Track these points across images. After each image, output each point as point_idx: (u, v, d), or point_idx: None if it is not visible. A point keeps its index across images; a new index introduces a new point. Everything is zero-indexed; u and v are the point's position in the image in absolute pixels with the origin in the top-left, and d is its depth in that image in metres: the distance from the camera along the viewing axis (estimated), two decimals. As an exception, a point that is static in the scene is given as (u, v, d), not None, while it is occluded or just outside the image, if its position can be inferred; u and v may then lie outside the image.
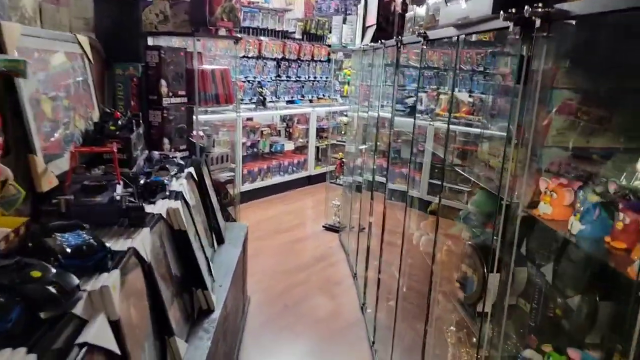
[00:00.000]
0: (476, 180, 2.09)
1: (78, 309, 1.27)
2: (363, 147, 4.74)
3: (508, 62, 2.80)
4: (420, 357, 2.30)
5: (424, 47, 2.38)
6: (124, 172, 2.21)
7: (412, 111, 5.56)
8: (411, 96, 6.10)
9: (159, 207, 2.13)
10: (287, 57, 7.83)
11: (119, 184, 1.99)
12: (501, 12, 1.33)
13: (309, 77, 8.32)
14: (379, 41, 3.57)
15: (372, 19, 3.90)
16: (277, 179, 7.22)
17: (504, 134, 2.10)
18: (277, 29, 7.67)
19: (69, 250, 1.44)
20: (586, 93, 1.44)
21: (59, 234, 1.53)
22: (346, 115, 6.59)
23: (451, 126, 2.39)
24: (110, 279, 1.41)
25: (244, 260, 3.49)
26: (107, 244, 1.58)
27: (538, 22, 1.21)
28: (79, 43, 2.53)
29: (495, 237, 1.48)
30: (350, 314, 3.91)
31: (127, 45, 3.16)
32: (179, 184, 2.49)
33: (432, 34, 2.23)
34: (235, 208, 4.13)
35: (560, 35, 1.24)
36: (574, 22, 1.17)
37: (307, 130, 7.82)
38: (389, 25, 3.64)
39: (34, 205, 1.87)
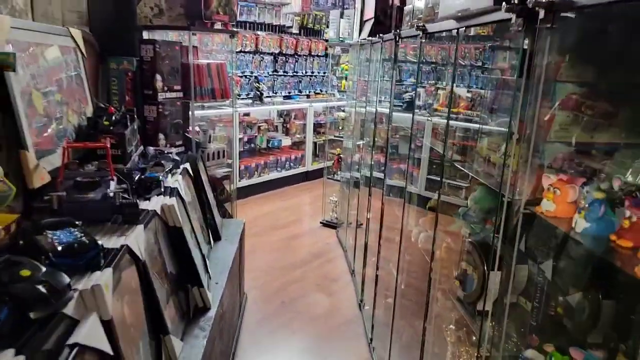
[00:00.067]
0: (476, 176, 2.06)
1: (69, 309, 1.24)
2: (360, 142, 4.70)
3: (507, 57, 2.77)
4: (419, 355, 2.27)
5: (423, 40, 2.34)
6: (118, 168, 2.17)
7: (409, 106, 5.53)
8: (408, 91, 6.07)
9: (154, 203, 2.10)
10: (284, 52, 7.79)
11: (113, 180, 1.96)
12: (503, 3, 1.30)
13: (306, 72, 8.27)
14: (377, 35, 3.53)
15: (369, 12, 3.87)
16: (274, 175, 7.18)
17: (504, 129, 2.08)
18: (274, 24, 7.62)
19: (60, 248, 1.41)
20: (591, 87, 1.41)
21: (50, 232, 1.49)
22: (343, 111, 6.56)
23: (450, 121, 2.35)
24: (102, 277, 1.38)
25: (241, 257, 3.46)
26: (100, 242, 1.54)
27: (542, 14, 1.17)
28: (72, 36, 2.48)
29: (496, 235, 1.45)
30: (348, 311, 3.88)
31: (121, 39, 3.10)
32: (174, 180, 2.46)
33: (431, 27, 2.19)
34: (232, 204, 4.10)
35: (564, 27, 1.21)
36: (579, 13, 1.14)
37: (304, 126, 7.78)
38: (387, 19, 3.60)
39: (26, 202, 1.84)
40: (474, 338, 1.81)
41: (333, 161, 6.29)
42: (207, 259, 2.60)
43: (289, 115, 7.83)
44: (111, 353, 1.31)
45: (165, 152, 2.88)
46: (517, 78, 1.33)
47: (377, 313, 3.38)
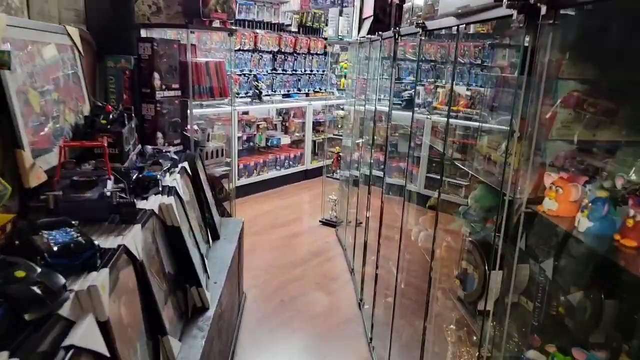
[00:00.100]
0: (476, 175, 2.04)
1: (64, 310, 1.22)
2: (360, 141, 4.69)
3: (506, 55, 2.75)
4: (419, 355, 2.26)
5: (422, 38, 2.32)
6: (115, 167, 2.15)
7: (408, 104, 5.52)
8: (407, 89, 6.06)
9: (152, 202, 2.08)
10: (283, 50, 7.76)
11: (110, 179, 1.94)
12: (504, -1, 1.28)
13: (305, 71, 8.24)
14: (376, 33, 3.51)
15: (369, 10, 3.85)
16: (273, 173, 7.16)
17: (504, 127, 2.06)
18: (273, 22, 7.59)
19: (55, 248, 1.39)
20: (593, 84, 1.39)
21: (46, 232, 1.47)
22: (343, 109, 6.54)
23: (449, 120, 2.33)
24: (99, 278, 1.36)
25: (240, 256, 3.45)
26: (97, 242, 1.53)
27: (544, 9, 1.15)
28: (69, 34, 2.46)
29: (497, 234, 1.43)
30: (348, 310, 3.87)
31: (119, 37, 3.08)
32: (173, 179, 2.44)
33: (431, 24, 2.18)
34: (230, 203, 4.08)
35: (566, 23, 1.19)
36: (581, 9, 1.12)
37: (303, 124, 7.76)
38: (386, 17, 3.58)
39: (22, 202, 1.82)
40: (475, 338, 1.80)
41: (332, 160, 6.27)
42: (205, 259, 2.59)
43: (288, 113, 7.81)
44: (107, 355, 1.29)
45: (164, 150, 2.86)
46: (519, 75, 1.31)
47: (377, 312, 3.36)
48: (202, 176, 3.19)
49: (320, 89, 8.46)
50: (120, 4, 3.12)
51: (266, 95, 7.41)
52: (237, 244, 3.23)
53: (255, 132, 7.02)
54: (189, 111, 3.48)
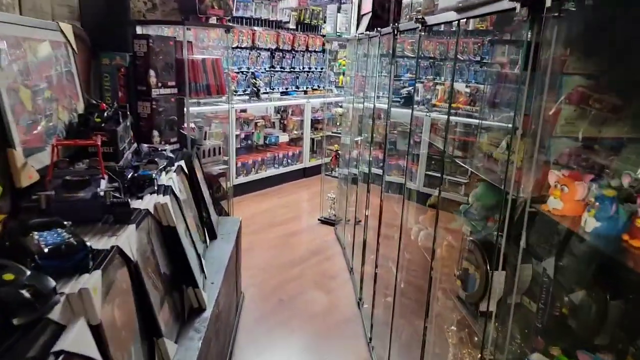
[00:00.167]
0: (477, 172, 2.01)
1: (55, 314, 1.18)
2: (358, 138, 4.65)
3: (506, 51, 2.71)
4: (419, 355, 2.22)
5: (422, 33, 2.28)
6: (110, 166, 2.12)
7: (406, 102, 5.50)
8: (406, 86, 6.03)
9: (147, 202, 2.04)
10: (281, 48, 7.71)
11: (104, 178, 1.90)
12: (507, -8, 1.24)
13: (303, 68, 8.20)
14: (375, 29, 3.47)
15: (367, 6, 3.80)
16: (271, 172, 7.12)
17: (505, 124, 2.03)
18: (271, 19, 7.54)
19: (46, 250, 1.35)
20: (599, 79, 1.35)
21: (37, 233, 1.43)
22: (341, 107, 6.50)
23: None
24: (90, 280, 1.33)
25: (238, 255, 3.41)
26: (90, 243, 1.49)
27: (548, 2, 1.11)
28: (62, 31, 2.42)
29: (500, 234, 1.40)
30: (347, 309, 3.84)
31: (114, 34, 3.04)
32: (169, 178, 2.40)
33: (431, 20, 2.14)
34: (228, 202, 4.04)
35: (572, 16, 1.15)
36: (587, 1, 1.08)
37: (301, 122, 7.71)
38: (384, 13, 3.54)
39: (14, 202, 1.78)
40: (476, 339, 1.76)
41: (331, 158, 6.23)
42: (202, 258, 2.55)
43: (286, 111, 7.76)
44: (100, 359, 1.26)
45: (159, 149, 2.82)
46: (522, 71, 1.28)
47: (376, 312, 3.33)
48: (199, 175, 3.15)
49: (318, 86, 8.42)
50: (115, 0, 3.07)
51: (264, 93, 7.36)
52: (235, 243, 3.19)
53: (253, 130, 6.97)
54: (185, 109, 3.43)
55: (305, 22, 8.10)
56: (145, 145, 2.78)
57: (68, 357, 1.13)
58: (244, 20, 7.17)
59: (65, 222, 1.52)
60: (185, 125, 3.47)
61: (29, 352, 1.07)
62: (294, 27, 7.98)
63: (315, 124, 7.91)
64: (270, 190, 7.02)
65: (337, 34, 5.60)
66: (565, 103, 1.35)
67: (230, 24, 3.81)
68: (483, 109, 2.66)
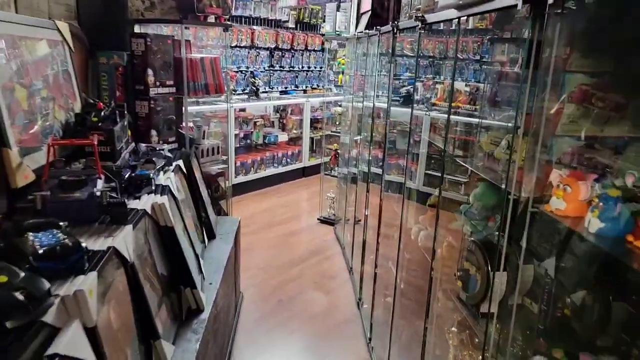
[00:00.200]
0: (477, 172, 1.99)
1: (49, 317, 1.16)
2: (358, 137, 4.63)
3: (505, 50, 2.70)
4: (419, 356, 2.20)
5: (422, 31, 2.26)
6: (107, 166, 2.09)
7: (406, 101, 5.48)
8: (405, 85, 6.01)
9: (144, 202, 2.02)
10: (280, 47, 7.69)
11: (100, 178, 1.87)
12: (509, -11, 1.22)
13: (302, 67, 8.17)
14: (374, 28, 3.45)
15: (366, 5, 3.78)
16: (270, 171, 7.10)
17: (505, 123, 2.01)
18: (270, 18, 7.51)
19: (41, 251, 1.33)
20: (602, 77, 1.33)
21: (31, 234, 1.41)
22: (340, 106, 6.48)
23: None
24: (86, 282, 1.30)
25: (236, 255, 3.39)
26: (86, 244, 1.46)
27: (551, -1, 1.09)
28: (59, 30, 2.40)
29: (502, 234, 1.38)
30: (346, 310, 3.82)
31: (111, 33, 3.02)
32: (166, 178, 2.38)
33: (431, 17, 2.11)
34: (227, 201, 4.02)
35: (574, 12, 1.13)
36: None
37: (301, 121, 7.69)
38: (384, 11, 3.52)
39: (9, 202, 1.76)
40: (477, 341, 1.74)
41: (330, 157, 6.21)
42: (200, 259, 2.53)
43: (285, 110, 7.74)
44: (95, 362, 1.24)
45: (157, 149, 2.80)
46: (524, 69, 1.25)
47: (376, 312, 3.31)
48: (198, 174, 3.13)
49: (318, 85, 8.40)
50: (112, -1, 3.06)
51: (263, 92, 7.34)
52: (234, 243, 3.17)
53: (252, 130, 6.95)
54: (183, 108, 3.41)
55: (305, 21, 8.08)
56: (143, 144, 2.76)
57: (62, 361, 1.11)
58: (243, 19, 7.15)
59: (61, 223, 1.50)
60: (184, 124, 3.45)
61: (22, 356, 1.04)
62: (293, 26, 7.95)
63: (314, 123, 7.89)
64: (270, 190, 7.00)
65: (337, 32, 5.58)
66: (568, 101, 1.33)
67: (229, 23, 3.79)
68: (483, 107, 2.64)
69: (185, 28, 3.38)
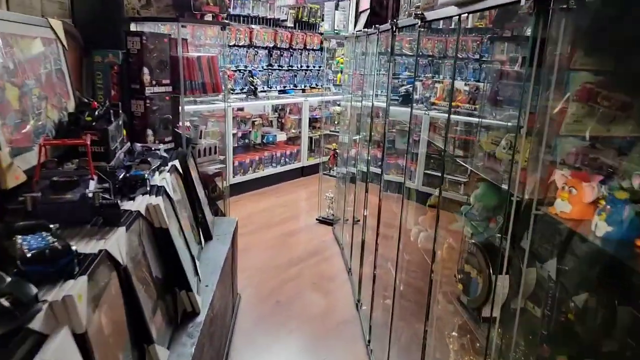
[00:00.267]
0: (477, 172, 1.95)
1: (36, 323, 1.12)
2: (357, 137, 4.59)
3: (505, 49, 2.66)
4: (419, 359, 2.16)
5: (421, 30, 2.22)
6: (101, 167, 2.05)
7: (405, 100, 5.44)
8: (404, 85, 5.97)
9: (138, 203, 1.98)
10: (278, 46, 7.65)
11: (93, 179, 1.83)
12: (512, -16, 1.18)
13: (301, 66, 8.13)
14: (373, 26, 3.41)
15: (365, 3, 3.75)
16: (269, 171, 7.06)
17: (505, 122, 1.97)
18: (269, 17, 7.48)
19: (29, 254, 1.29)
20: (607, 75, 1.29)
21: (20, 236, 1.37)
22: (339, 105, 6.44)
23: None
24: (75, 286, 1.26)
25: (233, 256, 3.35)
26: (77, 246, 1.43)
27: (556, -6, 1.06)
28: (52, 28, 2.35)
29: (504, 237, 1.34)
30: (345, 311, 3.78)
31: (106, 31, 2.98)
32: (162, 178, 2.34)
33: (431, 15, 2.08)
34: (224, 202, 3.98)
35: (579, 9, 1.09)
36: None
37: (299, 121, 7.65)
38: (383, 10, 3.48)
39: (-1, 204, 1.72)
40: (478, 345, 1.70)
41: (329, 156, 6.18)
42: (197, 260, 2.49)
43: (284, 110, 7.70)
44: (84, 370, 1.20)
45: (153, 148, 2.76)
46: (527, 67, 1.21)
47: (375, 314, 3.27)
48: (194, 174, 3.09)
49: (316, 84, 8.36)
50: (108, -4, 3.02)
51: (262, 91, 7.30)
52: (231, 244, 3.13)
53: (250, 129, 6.91)
54: (180, 107, 3.37)
55: (303, 20, 8.04)
56: (139, 144, 2.72)
57: (50, 369, 1.07)
58: (242, 18, 7.11)
59: (51, 225, 1.46)
60: (180, 124, 3.41)
61: (7, 364, 1.01)
62: (292, 25, 7.91)
63: (313, 122, 7.86)
64: (268, 190, 6.96)
65: (335, 31, 5.54)
66: (572, 100, 1.29)
67: (226, 22, 3.75)
68: (483, 107, 2.60)
69: (182, 26, 3.34)
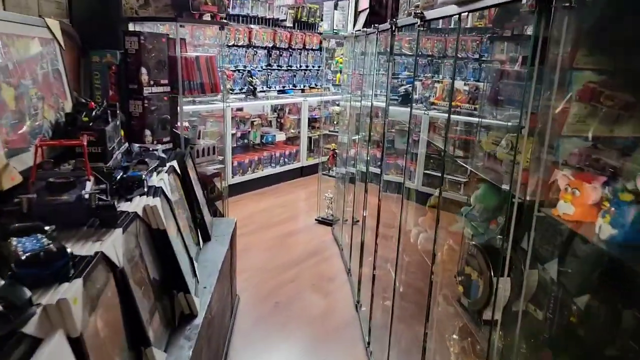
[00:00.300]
0: (478, 172, 1.93)
1: (30, 327, 1.10)
2: (356, 137, 4.57)
3: (505, 48, 2.64)
4: (419, 361, 2.15)
5: (421, 29, 2.20)
6: (98, 167, 2.03)
7: (404, 100, 5.43)
8: (403, 84, 5.96)
9: (135, 204, 1.96)
10: (278, 46, 7.63)
11: (89, 180, 1.81)
12: (513, -18, 1.16)
13: (300, 66, 8.12)
14: (372, 26, 3.39)
15: (364, 3, 3.73)
16: (268, 171, 7.04)
17: (506, 122, 1.95)
18: (268, 17, 7.46)
19: (23, 257, 1.27)
20: (611, 75, 1.27)
21: (15, 239, 1.35)
22: (338, 105, 6.42)
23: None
24: (70, 290, 1.25)
25: (232, 257, 3.33)
26: (73, 249, 1.42)
27: (559, -9, 1.04)
28: (49, 27, 2.33)
29: (505, 240, 1.32)
30: (345, 312, 3.76)
31: (104, 31, 2.96)
32: (160, 179, 2.32)
33: (430, 14, 2.06)
34: (223, 202, 3.96)
35: (582, 7, 1.07)
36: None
37: (298, 121, 7.64)
38: (382, 9, 3.47)
39: (-6, 205, 1.70)
40: (479, 348, 1.69)
41: (328, 156, 6.16)
42: (195, 262, 2.47)
43: (283, 110, 7.68)
44: (79, 374, 1.18)
45: (151, 149, 2.74)
46: (529, 66, 1.19)
47: (375, 315, 3.25)
48: (192, 175, 3.07)
49: (315, 84, 8.35)
50: (105, -4, 3.00)
51: (261, 91, 7.28)
52: (229, 245, 3.11)
53: (249, 129, 6.89)
54: (179, 108, 3.35)
55: (302, 19, 8.03)
56: (137, 145, 2.70)
57: (44, 374, 1.06)
58: (241, 18, 7.09)
59: (47, 227, 1.44)
60: (179, 124, 3.39)
61: (0, 370, 0.99)
62: (291, 25, 7.90)
63: (312, 122, 7.84)
64: (267, 190, 6.94)
65: (334, 31, 5.53)
66: (575, 100, 1.27)
67: (225, 21, 3.74)
68: (483, 107, 2.59)
69: (181, 26, 3.33)
